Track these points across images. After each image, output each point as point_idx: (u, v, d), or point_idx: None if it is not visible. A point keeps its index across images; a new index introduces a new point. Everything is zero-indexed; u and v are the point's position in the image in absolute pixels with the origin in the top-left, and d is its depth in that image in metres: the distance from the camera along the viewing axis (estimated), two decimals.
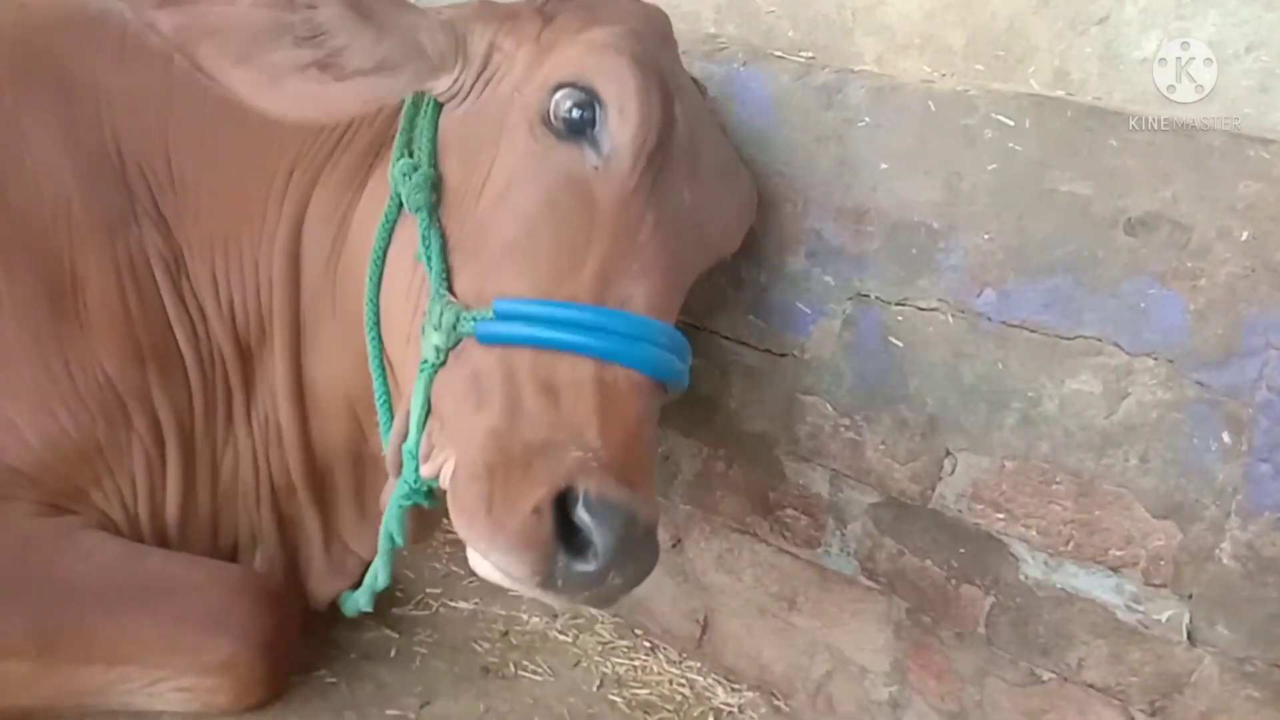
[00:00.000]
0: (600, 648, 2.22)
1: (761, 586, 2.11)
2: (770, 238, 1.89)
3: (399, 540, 1.67)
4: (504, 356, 1.47)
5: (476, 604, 2.30)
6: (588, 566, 1.35)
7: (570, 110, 1.54)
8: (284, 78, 1.56)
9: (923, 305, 1.76)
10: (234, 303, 1.88)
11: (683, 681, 2.15)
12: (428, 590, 2.32)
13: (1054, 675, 1.74)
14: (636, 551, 1.39)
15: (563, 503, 1.36)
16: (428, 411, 1.54)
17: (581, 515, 1.34)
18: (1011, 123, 1.65)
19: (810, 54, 1.96)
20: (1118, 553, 1.63)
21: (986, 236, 1.68)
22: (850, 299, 1.83)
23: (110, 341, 1.78)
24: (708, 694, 2.14)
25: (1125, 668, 1.66)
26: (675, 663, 2.22)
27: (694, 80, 1.87)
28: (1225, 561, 1.53)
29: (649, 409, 1.51)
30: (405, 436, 1.57)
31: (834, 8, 1.96)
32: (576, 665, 2.16)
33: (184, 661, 1.75)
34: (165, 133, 1.87)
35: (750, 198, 1.82)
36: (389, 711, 1.95)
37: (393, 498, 1.60)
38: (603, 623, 2.30)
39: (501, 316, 1.48)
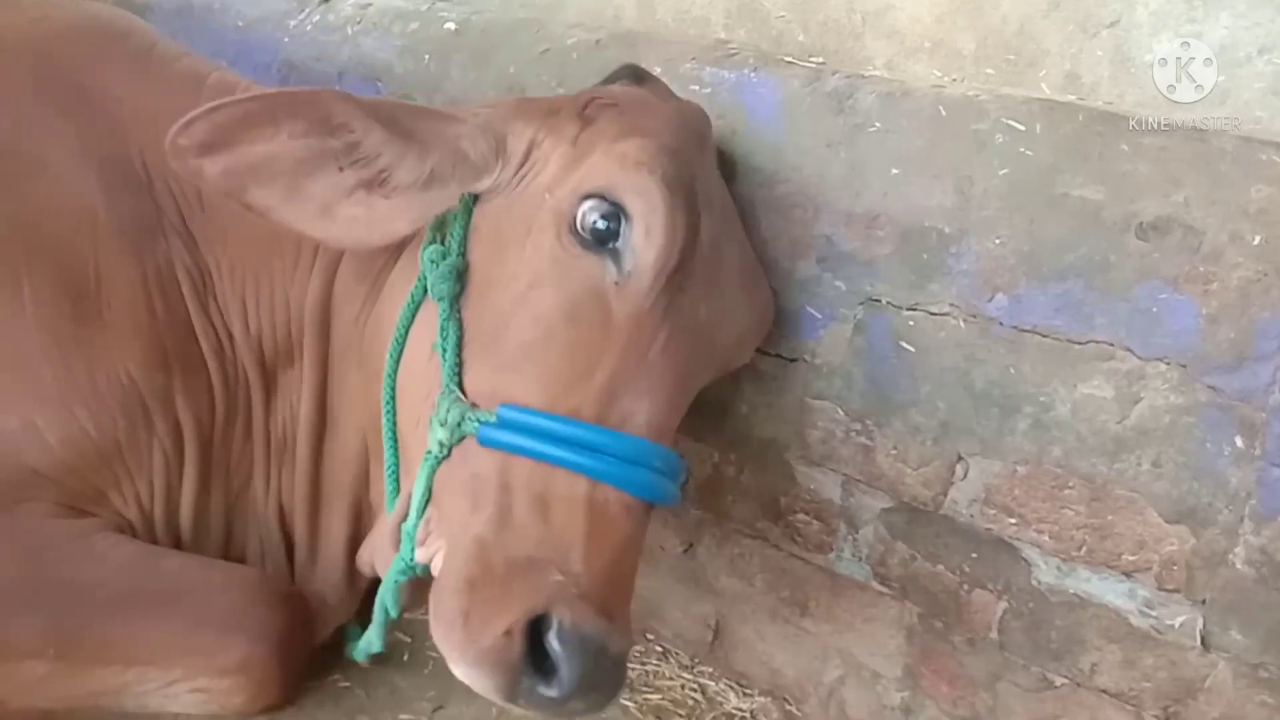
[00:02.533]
0: None
1: (773, 591, 2.11)
2: (781, 243, 1.89)
3: (393, 613, 1.69)
4: (503, 462, 1.49)
5: None
6: (550, 692, 1.36)
7: (597, 222, 1.56)
8: (334, 205, 1.60)
9: (934, 310, 1.75)
10: (262, 331, 1.91)
11: (695, 687, 2.16)
12: None
13: (1067, 680, 1.74)
14: (602, 681, 1.39)
15: (537, 626, 1.37)
16: (428, 499, 1.57)
17: (553, 644, 1.36)
18: (1022, 127, 1.65)
19: (820, 59, 1.96)
20: (1130, 557, 1.63)
21: (998, 241, 1.67)
22: (861, 304, 1.83)
23: (135, 344, 1.80)
24: (720, 699, 2.14)
25: (1138, 673, 1.66)
26: (687, 668, 2.22)
27: (722, 155, 1.88)
28: (1239, 566, 1.53)
29: (637, 530, 1.52)
30: (405, 517, 1.59)
31: (844, 12, 1.96)
32: None
33: (200, 663, 1.76)
34: None
35: (767, 308, 1.84)
36: (402, 716, 1.96)
37: (388, 573, 1.63)
38: None
39: (504, 424, 1.50)
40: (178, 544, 1.90)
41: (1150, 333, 1.56)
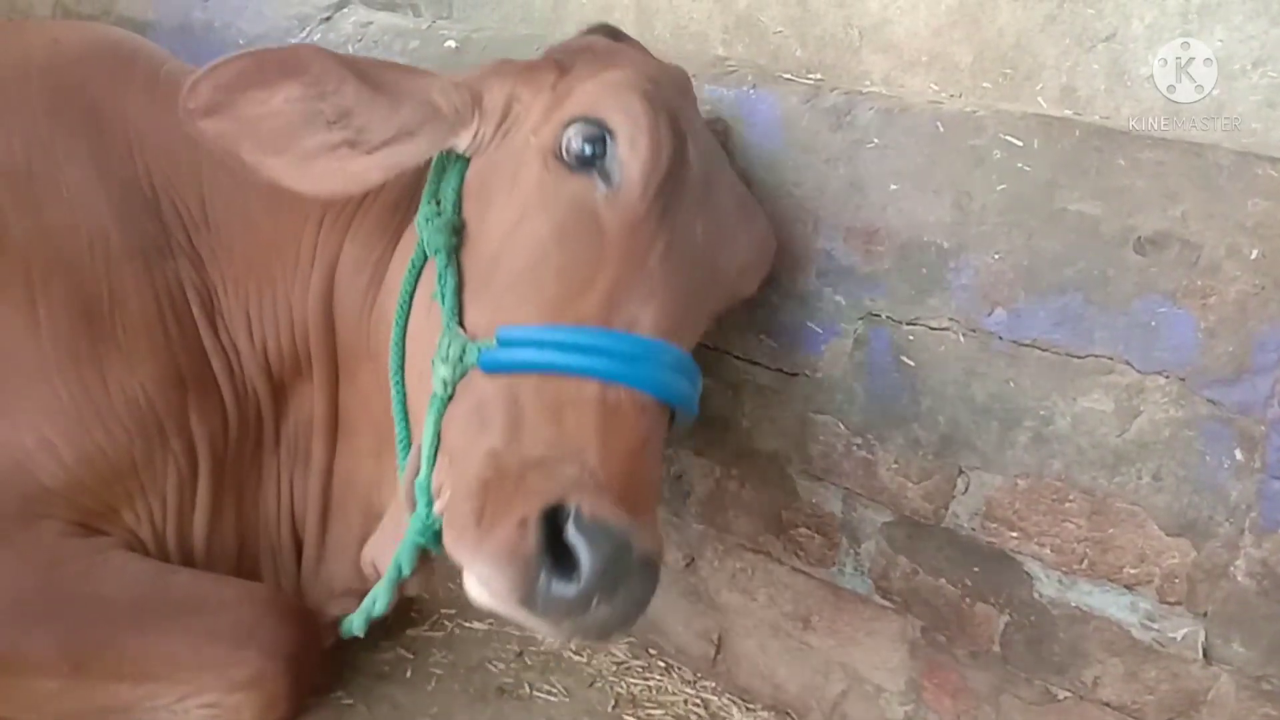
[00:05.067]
0: (615, 668, 2.23)
1: (775, 606, 2.11)
2: (781, 258, 1.89)
3: (406, 571, 1.64)
4: (508, 384, 1.47)
5: (491, 624, 2.30)
6: (569, 590, 1.28)
7: (582, 145, 1.57)
8: (315, 159, 1.64)
9: (934, 324, 1.76)
10: (268, 341, 1.92)
11: (698, 702, 2.15)
12: (442, 611, 2.32)
13: (1069, 693, 1.74)
14: (627, 582, 1.31)
15: (554, 520, 1.31)
16: (438, 446, 1.54)
17: (571, 533, 1.29)
18: (1020, 143, 1.66)
19: (818, 74, 1.97)
20: (1132, 570, 1.63)
21: (997, 256, 1.68)
22: (861, 318, 1.84)
23: (150, 362, 1.81)
24: (723, 714, 2.14)
25: (1141, 686, 1.66)
26: (690, 683, 2.22)
27: (718, 122, 1.89)
28: (1240, 579, 1.53)
29: (654, 431, 1.49)
30: (419, 472, 1.57)
31: (841, 27, 1.97)
32: (591, 685, 2.16)
33: (211, 678, 1.77)
34: (199, 173, 1.91)
35: (768, 240, 1.82)
36: None
37: (408, 531, 1.59)
38: (617, 643, 2.31)
39: (505, 343, 1.49)
40: (190, 561, 1.90)
41: (1149, 346, 1.56)
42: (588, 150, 1.56)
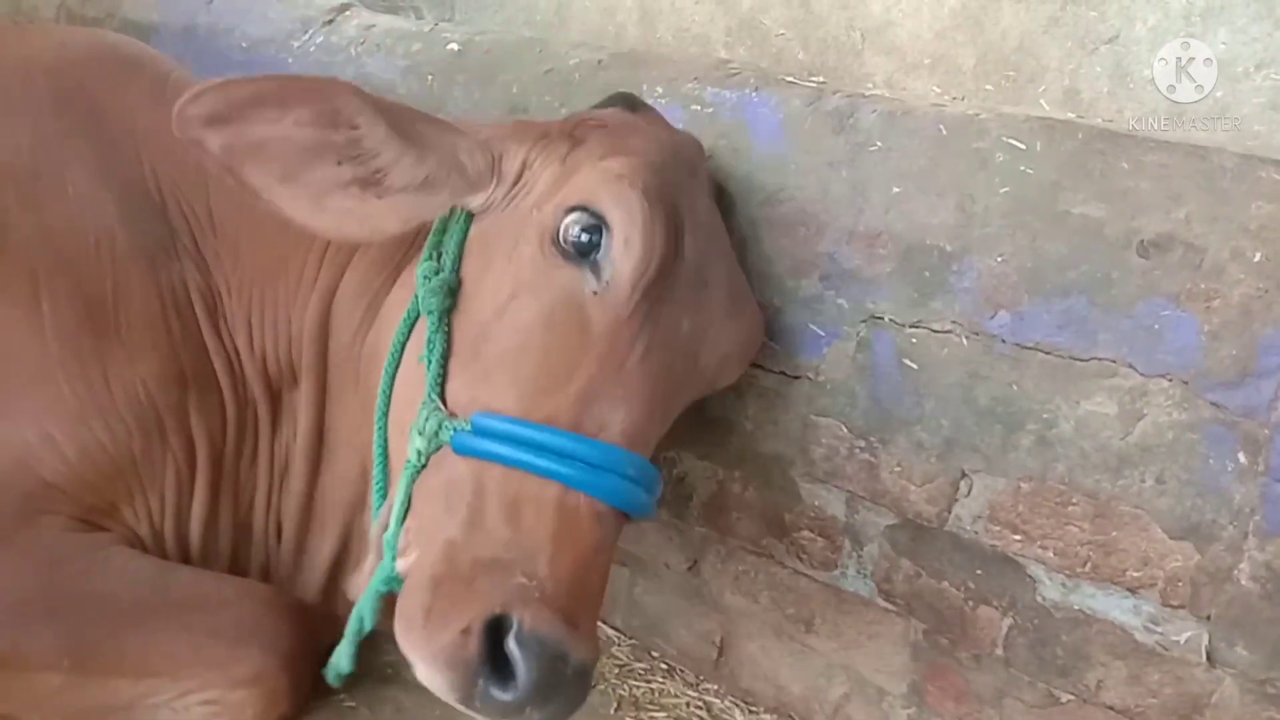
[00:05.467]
0: (617, 670, 2.22)
1: (778, 608, 2.11)
2: (784, 261, 1.89)
3: (368, 625, 1.65)
4: (477, 469, 1.50)
5: None
6: (505, 697, 1.35)
7: (579, 234, 1.58)
8: (327, 196, 1.63)
9: (937, 327, 1.76)
10: (265, 349, 1.93)
11: (700, 704, 2.15)
12: None
13: (1073, 697, 1.74)
14: (561, 691, 1.37)
15: (497, 628, 1.36)
16: (407, 509, 1.57)
17: (510, 646, 1.35)
18: (1023, 146, 1.66)
19: (821, 77, 1.97)
20: (1135, 574, 1.62)
21: (1000, 259, 1.68)
22: (864, 321, 1.83)
23: (152, 358, 1.82)
24: (725, 716, 2.13)
25: (1144, 689, 1.65)
26: (692, 685, 2.22)
27: (720, 189, 1.90)
28: (1243, 582, 1.53)
29: (607, 539, 1.52)
30: (387, 527, 1.59)
31: (844, 30, 1.97)
32: (594, 687, 2.15)
33: (212, 675, 1.77)
34: (206, 177, 1.91)
35: (756, 332, 1.84)
36: None
37: (371, 582, 1.61)
38: (619, 645, 2.31)
39: (478, 431, 1.51)
40: (186, 560, 1.91)
41: (1153, 349, 1.56)
42: (584, 239, 1.58)
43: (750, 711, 2.15)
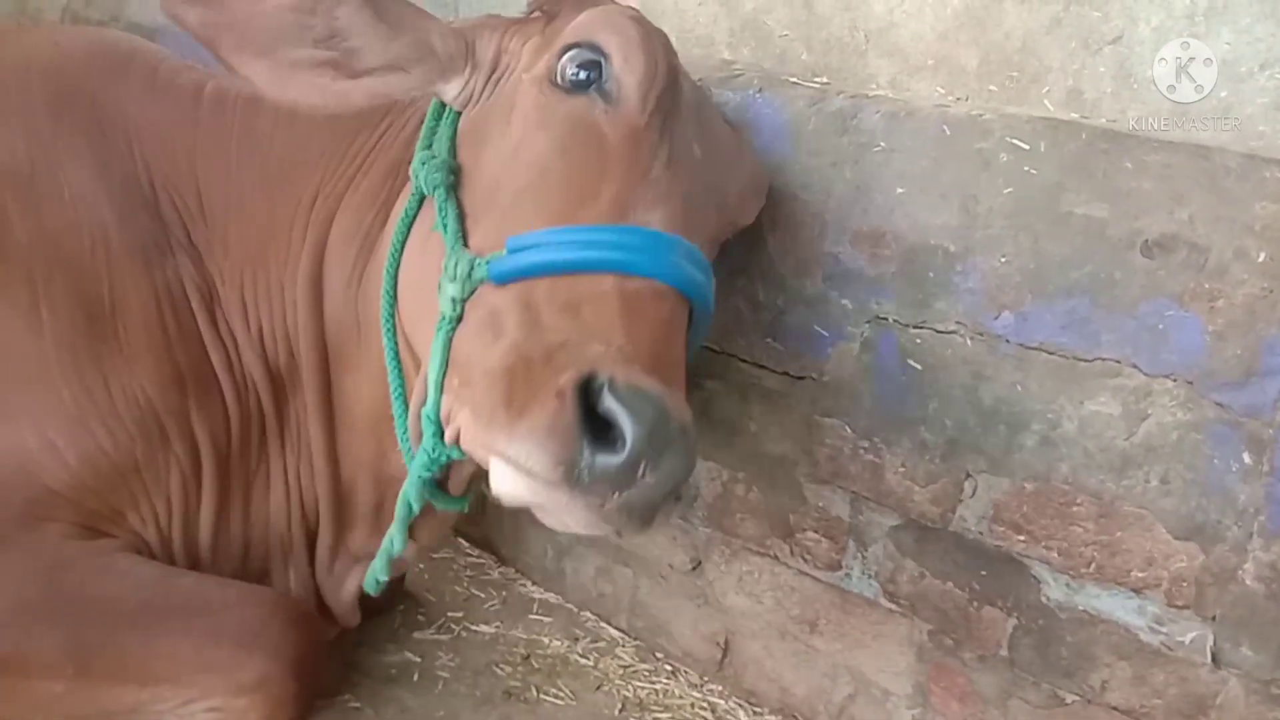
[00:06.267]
0: (622, 671, 2.23)
1: (782, 609, 2.11)
2: (787, 261, 1.90)
3: (415, 508, 1.63)
4: (521, 290, 1.43)
5: (498, 628, 2.30)
6: (615, 460, 1.23)
7: (578, 70, 1.58)
8: (299, 73, 1.64)
9: (941, 328, 1.76)
10: (262, 328, 1.92)
11: (704, 705, 2.15)
12: (449, 614, 2.33)
13: (1077, 697, 1.74)
14: (672, 449, 1.25)
15: (587, 394, 1.26)
16: (444, 372, 1.49)
17: (608, 402, 1.24)
18: (1026, 146, 1.65)
19: (824, 78, 1.97)
20: (1140, 574, 1.62)
21: (1003, 259, 1.68)
22: (868, 322, 1.84)
23: (150, 363, 1.81)
24: (729, 717, 2.14)
25: (1149, 690, 1.65)
26: (697, 686, 2.22)
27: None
28: (1248, 583, 1.53)
29: (675, 318, 1.46)
30: (425, 402, 1.53)
31: (847, 30, 1.97)
32: (598, 689, 2.16)
33: (217, 681, 1.76)
34: (194, 165, 1.92)
35: (760, 174, 1.84)
36: None
37: (413, 466, 1.57)
38: (623, 646, 2.31)
39: (515, 250, 1.45)
40: (196, 563, 1.90)
41: (1157, 349, 1.56)
42: (583, 75, 1.57)
43: (755, 712, 2.15)
